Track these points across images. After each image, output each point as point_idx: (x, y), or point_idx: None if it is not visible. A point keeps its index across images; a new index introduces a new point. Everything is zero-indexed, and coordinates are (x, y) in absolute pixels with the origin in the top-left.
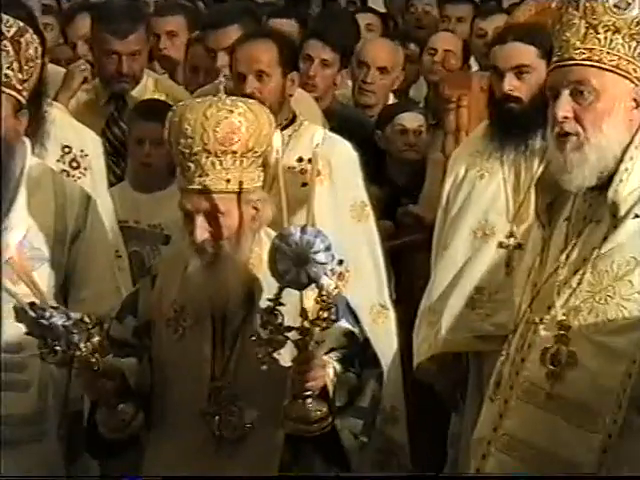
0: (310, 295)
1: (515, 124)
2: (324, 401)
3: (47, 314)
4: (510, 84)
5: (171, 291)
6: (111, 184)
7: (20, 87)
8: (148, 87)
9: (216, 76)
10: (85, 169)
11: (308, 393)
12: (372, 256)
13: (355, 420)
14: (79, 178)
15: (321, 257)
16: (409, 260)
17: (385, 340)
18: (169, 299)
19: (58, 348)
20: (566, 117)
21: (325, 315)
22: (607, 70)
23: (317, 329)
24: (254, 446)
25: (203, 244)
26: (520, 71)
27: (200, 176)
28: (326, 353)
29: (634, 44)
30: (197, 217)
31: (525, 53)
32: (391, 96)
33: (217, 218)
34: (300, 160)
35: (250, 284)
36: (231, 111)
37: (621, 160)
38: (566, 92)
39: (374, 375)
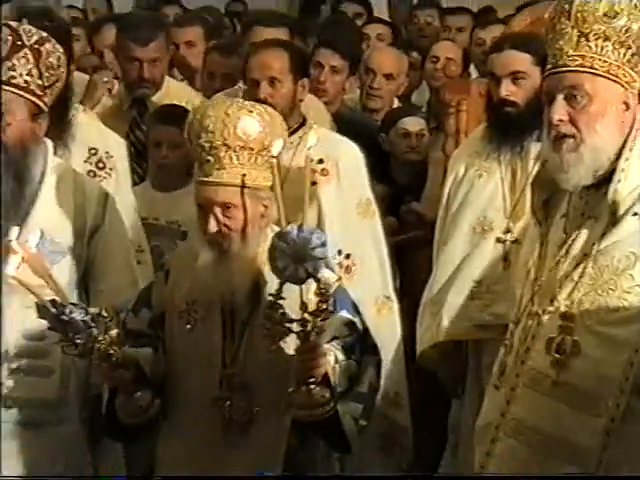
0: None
1: (511, 127)
2: (326, 387)
3: (67, 310)
4: (507, 89)
5: (183, 285)
6: (134, 184)
7: (40, 93)
8: (168, 93)
9: (231, 82)
10: (110, 169)
11: (311, 380)
12: (377, 251)
13: (355, 405)
14: (105, 178)
15: (318, 253)
16: (412, 254)
17: (389, 330)
18: (181, 292)
19: (78, 341)
20: (561, 120)
21: (324, 307)
22: (599, 75)
23: (317, 320)
24: (262, 430)
25: (215, 236)
26: (516, 77)
27: (218, 169)
28: (328, 342)
29: (623, 50)
30: (212, 209)
31: (520, 60)
32: (395, 100)
33: (230, 211)
34: (310, 161)
35: (257, 278)
36: (250, 111)
37: (616, 160)
38: (561, 97)
39: (373, 363)
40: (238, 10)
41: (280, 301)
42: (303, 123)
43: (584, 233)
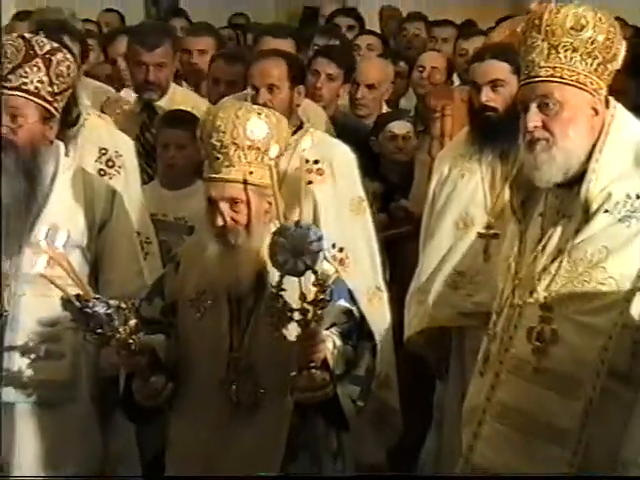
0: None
1: (492, 130)
2: (326, 371)
3: (90, 304)
4: (487, 96)
5: (193, 275)
6: (144, 183)
7: (50, 98)
8: (174, 99)
9: (235, 88)
10: (119, 167)
11: (312, 364)
12: (368, 245)
13: (353, 387)
14: (114, 175)
15: (315, 247)
16: (401, 248)
17: (379, 317)
18: (191, 282)
19: (100, 331)
20: (536, 126)
21: (322, 297)
22: (568, 84)
23: (316, 309)
24: (267, 411)
25: (223, 229)
26: (495, 85)
27: (227, 167)
28: (327, 329)
29: (590, 60)
30: (220, 203)
31: (499, 69)
32: (385, 106)
33: (236, 206)
34: (306, 161)
35: (261, 269)
36: (259, 113)
37: (587, 162)
38: (534, 105)
39: (369, 348)
40: (240, 23)
41: (281, 292)
42: (300, 126)
43: (559, 230)
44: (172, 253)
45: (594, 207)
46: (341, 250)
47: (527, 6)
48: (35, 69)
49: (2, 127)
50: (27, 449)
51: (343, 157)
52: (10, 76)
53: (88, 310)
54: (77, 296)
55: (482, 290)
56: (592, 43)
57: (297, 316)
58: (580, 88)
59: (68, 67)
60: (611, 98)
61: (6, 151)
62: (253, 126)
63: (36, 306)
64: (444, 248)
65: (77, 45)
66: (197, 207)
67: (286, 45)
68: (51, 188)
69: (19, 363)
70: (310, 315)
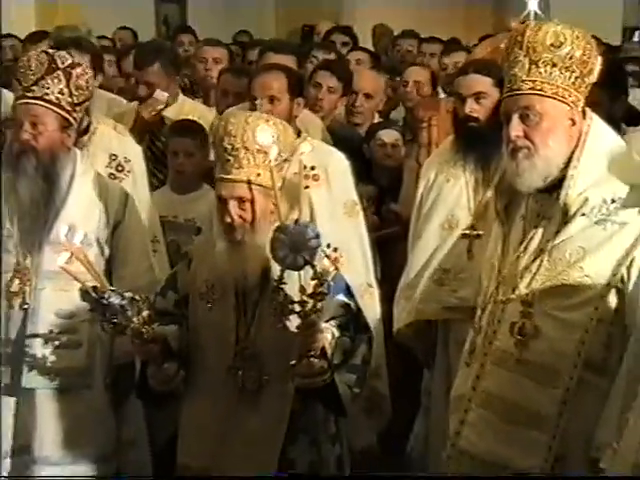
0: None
1: (475, 139)
2: (324, 359)
3: (106, 295)
4: (470, 107)
5: (203, 271)
6: (155, 187)
7: (70, 108)
8: (183, 110)
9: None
10: (128, 171)
11: (311, 353)
12: (360, 245)
13: (349, 375)
14: (123, 179)
15: (313, 243)
16: (391, 247)
17: (370, 312)
18: (202, 277)
19: (115, 321)
20: (518, 136)
21: (320, 290)
22: (548, 97)
23: (314, 301)
24: (270, 396)
25: (230, 226)
26: (478, 97)
27: (237, 168)
28: (326, 321)
29: (568, 74)
30: (229, 202)
31: (482, 83)
32: (377, 117)
33: (244, 204)
34: (304, 167)
35: (266, 264)
36: (267, 120)
37: (565, 169)
38: (516, 116)
39: (365, 339)
40: (244, 40)
41: (282, 285)
42: (298, 135)
43: (540, 232)
44: (184, 251)
45: (572, 211)
46: (335, 250)
47: (508, 24)
48: (56, 81)
49: (24, 133)
50: (47, 432)
51: (338, 164)
52: (34, 87)
53: (104, 301)
54: (94, 288)
55: (466, 286)
56: (570, 58)
57: (297, 308)
58: (559, 100)
59: (87, 80)
60: (588, 109)
61: (27, 155)
62: (261, 131)
63: (55, 300)
64: (431, 248)
65: (87, 58)
66: (204, 209)
67: (288, 61)
68: (68, 191)
69: (41, 351)
70: (309, 307)
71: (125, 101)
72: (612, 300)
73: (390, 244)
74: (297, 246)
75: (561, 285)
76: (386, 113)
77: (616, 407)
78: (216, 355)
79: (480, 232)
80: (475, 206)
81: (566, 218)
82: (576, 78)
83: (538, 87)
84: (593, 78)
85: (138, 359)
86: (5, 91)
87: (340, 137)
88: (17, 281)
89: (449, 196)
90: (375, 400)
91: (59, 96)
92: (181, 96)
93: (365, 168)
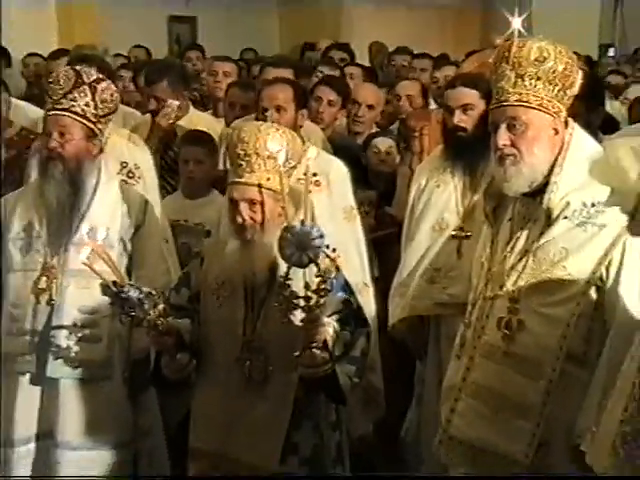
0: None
1: (462, 148)
2: (326, 351)
3: (125, 289)
4: (458, 118)
5: (214, 269)
6: (167, 194)
7: (94, 120)
8: (192, 120)
9: (248, 111)
10: (139, 178)
11: (314, 345)
12: (357, 247)
13: (349, 366)
14: (134, 185)
15: (317, 242)
16: (386, 248)
17: (366, 309)
18: (213, 275)
19: (133, 313)
20: (505, 144)
21: (323, 286)
22: (533, 108)
23: (318, 297)
24: (275, 385)
25: (242, 226)
26: (465, 108)
27: (249, 172)
28: (328, 316)
29: (551, 87)
30: (240, 204)
31: (469, 95)
32: (375, 128)
33: (254, 206)
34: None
35: (273, 263)
36: (277, 129)
37: (549, 175)
38: (503, 126)
39: (364, 333)
40: (250, 57)
41: (288, 282)
42: (303, 143)
43: (526, 233)
44: (196, 250)
45: (555, 214)
46: (334, 251)
47: (493, 41)
48: (82, 95)
49: (52, 141)
50: (69, 419)
51: (338, 171)
52: (62, 100)
53: (123, 294)
54: (114, 282)
55: (456, 284)
56: (553, 72)
57: (302, 302)
58: (543, 111)
59: (111, 95)
60: (570, 119)
61: (54, 161)
62: (272, 139)
63: (78, 296)
64: (423, 248)
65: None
66: (213, 214)
67: (286, 73)
68: (93, 196)
69: (65, 342)
70: (313, 302)
71: (139, 114)
72: (592, 297)
73: (386, 245)
74: (303, 245)
75: (545, 283)
76: (385, 127)
77: (596, 397)
78: (225, 347)
79: (468, 233)
80: (463, 209)
81: (550, 221)
82: (559, 90)
83: (524, 99)
84: (575, 90)
85: (153, 350)
86: (26, 104)
87: (340, 146)
88: (44, 278)
89: (439, 200)
90: (370, 393)
91: (85, 108)
92: (191, 109)
93: (363, 175)
